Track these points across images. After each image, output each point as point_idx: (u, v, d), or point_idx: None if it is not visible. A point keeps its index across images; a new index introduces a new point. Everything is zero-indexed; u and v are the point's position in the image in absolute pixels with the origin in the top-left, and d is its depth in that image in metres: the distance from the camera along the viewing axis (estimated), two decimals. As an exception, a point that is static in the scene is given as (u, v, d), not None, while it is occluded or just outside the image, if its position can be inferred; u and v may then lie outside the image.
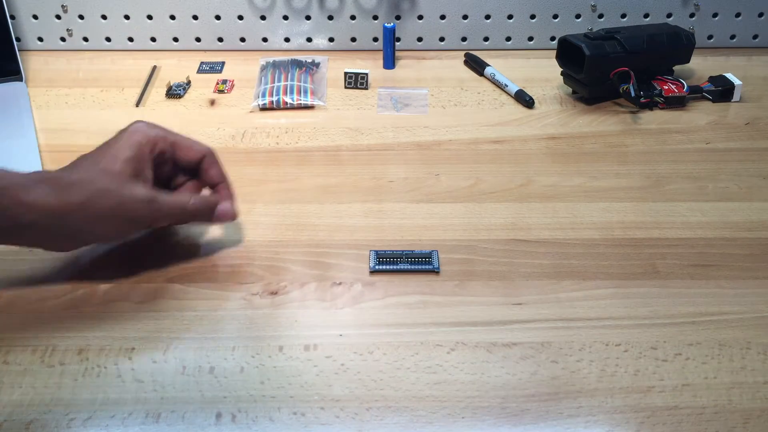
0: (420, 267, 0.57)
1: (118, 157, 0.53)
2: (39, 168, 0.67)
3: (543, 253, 0.58)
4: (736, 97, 0.79)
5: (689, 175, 0.67)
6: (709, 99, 0.79)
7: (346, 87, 0.82)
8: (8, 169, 0.50)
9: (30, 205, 0.49)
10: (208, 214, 0.56)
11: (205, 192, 0.59)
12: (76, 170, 0.52)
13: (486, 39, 0.90)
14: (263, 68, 0.84)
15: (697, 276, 0.56)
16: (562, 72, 0.81)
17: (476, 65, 0.86)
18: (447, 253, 0.58)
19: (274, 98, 0.78)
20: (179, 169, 0.58)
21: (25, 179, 0.49)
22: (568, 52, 0.78)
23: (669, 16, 0.88)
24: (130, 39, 0.90)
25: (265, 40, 0.90)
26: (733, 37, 0.90)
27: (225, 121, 0.76)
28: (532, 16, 0.89)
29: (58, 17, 0.88)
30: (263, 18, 0.88)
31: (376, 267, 0.57)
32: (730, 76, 0.80)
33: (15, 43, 0.82)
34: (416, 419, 0.45)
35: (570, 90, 0.81)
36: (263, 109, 0.78)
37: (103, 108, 0.79)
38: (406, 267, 0.57)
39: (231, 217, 0.57)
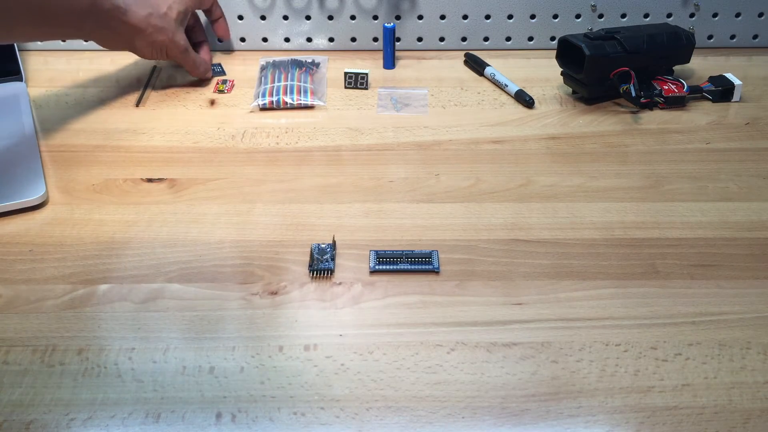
0: (420, 267, 0.57)
1: (173, 7, 0.76)
2: (40, 169, 0.67)
3: (543, 253, 0.58)
4: (736, 97, 0.79)
5: (689, 175, 0.67)
6: (709, 99, 0.79)
7: (346, 87, 0.82)
8: None
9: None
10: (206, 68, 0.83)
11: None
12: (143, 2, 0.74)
13: (486, 39, 0.90)
14: (263, 68, 0.84)
15: (697, 276, 0.56)
16: (562, 72, 0.81)
17: (476, 65, 0.86)
18: (447, 253, 0.58)
19: (274, 98, 0.78)
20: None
21: None
22: (568, 52, 0.78)
23: (669, 16, 0.88)
24: (130, 39, 0.90)
25: (265, 40, 0.90)
26: (733, 37, 0.90)
27: (225, 121, 0.76)
28: (532, 16, 0.89)
29: (58, 17, 0.88)
30: (263, 18, 0.88)
31: (376, 267, 0.57)
32: (730, 76, 0.80)
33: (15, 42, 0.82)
34: (416, 419, 0.45)
35: (570, 90, 0.81)
36: (263, 109, 0.78)
37: (103, 108, 0.79)
38: (406, 267, 0.57)
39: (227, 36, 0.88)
